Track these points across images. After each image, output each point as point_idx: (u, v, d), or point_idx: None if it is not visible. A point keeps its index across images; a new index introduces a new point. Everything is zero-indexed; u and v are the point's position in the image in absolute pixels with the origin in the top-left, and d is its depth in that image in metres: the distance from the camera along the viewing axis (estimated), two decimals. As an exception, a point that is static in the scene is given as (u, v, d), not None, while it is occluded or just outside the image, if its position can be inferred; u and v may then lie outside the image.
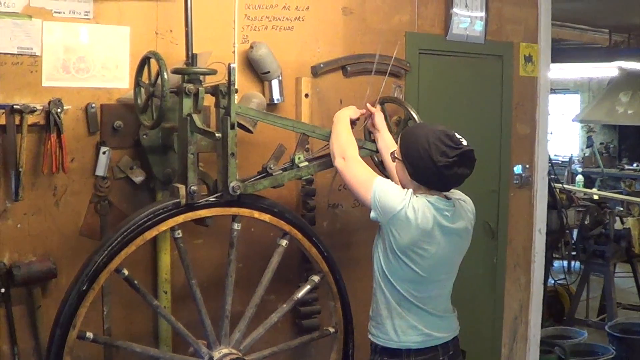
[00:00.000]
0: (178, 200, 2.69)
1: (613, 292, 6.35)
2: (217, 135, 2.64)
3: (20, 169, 2.68)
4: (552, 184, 5.65)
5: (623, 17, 8.35)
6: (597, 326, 6.37)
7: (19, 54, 2.70)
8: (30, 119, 2.69)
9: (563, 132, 12.89)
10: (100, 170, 2.89)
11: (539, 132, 4.54)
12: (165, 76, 2.61)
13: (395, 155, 2.79)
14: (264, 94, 3.24)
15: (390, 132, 3.23)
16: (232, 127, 2.68)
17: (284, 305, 3.01)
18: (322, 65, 3.47)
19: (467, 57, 4.10)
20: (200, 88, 2.71)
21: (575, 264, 7.76)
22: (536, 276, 4.61)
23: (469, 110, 4.14)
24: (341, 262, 3.19)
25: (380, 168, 3.18)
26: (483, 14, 4.10)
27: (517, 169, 4.46)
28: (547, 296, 6.11)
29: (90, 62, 2.86)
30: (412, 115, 3.19)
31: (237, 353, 2.84)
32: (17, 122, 2.67)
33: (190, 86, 2.70)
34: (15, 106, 2.66)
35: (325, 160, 3.01)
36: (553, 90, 8.07)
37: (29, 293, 2.79)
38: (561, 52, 8.73)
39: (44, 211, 2.82)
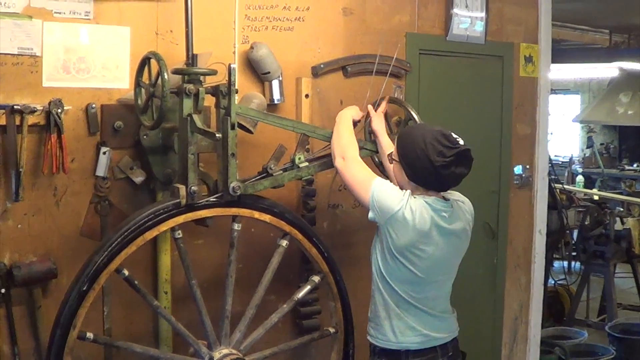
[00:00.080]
0: (178, 200, 2.69)
1: (613, 293, 6.36)
2: (217, 135, 2.64)
3: (21, 170, 2.68)
4: (552, 184, 5.64)
5: (623, 18, 8.36)
6: (597, 326, 6.38)
7: (19, 54, 2.70)
8: (31, 120, 2.69)
9: (563, 132, 12.90)
10: (101, 171, 2.89)
11: (539, 133, 4.54)
12: (166, 76, 2.61)
13: (393, 157, 2.79)
14: (264, 95, 3.24)
15: (391, 132, 3.23)
16: (233, 128, 2.68)
17: (284, 306, 3.01)
18: (322, 66, 3.47)
19: (467, 58, 4.10)
20: (200, 88, 2.71)
21: (576, 265, 7.76)
22: (536, 276, 4.61)
23: (470, 111, 4.15)
24: (341, 263, 3.19)
25: (381, 169, 3.18)
26: (483, 14, 4.10)
27: (518, 169, 4.46)
28: (548, 296, 6.12)
29: (91, 62, 2.86)
30: (412, 115, 3.19)
31: (238, 353, 2.84)
32: (17, 122, 2.67)
33: (190, 86, 2.70)
34: (15, 106, 2.66)
35: (326, 161, 3.01)
36: (553, 91, 8.05)
37: (29, 293, 2.79)
38: (561, 53, 8.74)
39: (45, 211, 2.82)
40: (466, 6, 3.99)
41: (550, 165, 4.89)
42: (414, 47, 3.82)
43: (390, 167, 2.89)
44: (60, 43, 2.79)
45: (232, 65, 2.69)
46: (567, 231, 6.68)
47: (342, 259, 3.30)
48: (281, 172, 2.95)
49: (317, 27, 3.46)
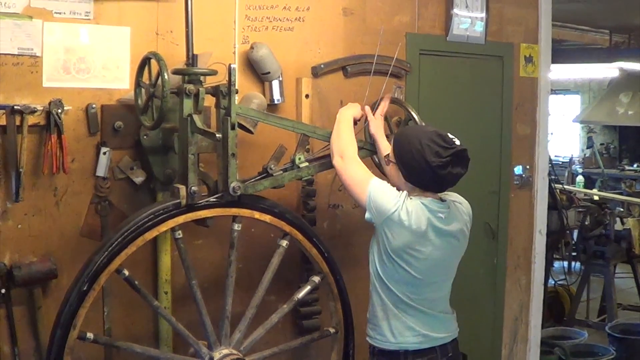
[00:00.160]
0: (178, 200, 2.69)
1: (613, 293, 6.36)
2: (217, 135, 2.64)
3: (21, 170, 2.68)
4: (552, 184, 5.64)
5: (623, 18, 8.35)
6: (597, 327, 6.37)
7: (19, 55, 2.70)
8: (31, 120, 2.69)
9: (563, 132, 12.89)
10: (101, 171, 2.89)
11: (540, 133, 4.54)
12: (166, 77, 2.61)
13: (389, 158, 2.79)
14: (264, 95, 3.24)
15: (391, 132, 3.23)
16: (233, 128, 2.68)
17: (285, 306, 3.01)
18: (322, 66, 3.47)
19: (467, 58, 4.10)
20: (200, 89, 2.71)
21: (576, 265, 7.76)
22: (536, 277, 4.61)
23: (470, 111, 4.15)
24: (342, 263, 3.19)
25: (380, 170, 3.18)
26: (483, 14, 4.10)
27: (518, 169, 4.46)
28: (548, 297, 6.12)
29: (91, 62, 2.87)
30: (412, 116, 3.19)
31: (238, 353, 2.84)
32: (17, 122, 2.67)
33: (190, 87, 2.70)
34: (15, 107, 2.66)
35: (326, 161, 3.00)
36: (553, 91, 8.06)
37: (29, 293, 2.79)
38: (562, 53, 8.74)
39: (45, 212, 2.82)
40: (466, 6, 3.99)
41: (550, 165, 4.88)
42: (414, 47, 3.82)
43: (388, 168, 2.89)
44: (60, 43, 2.79)
45: (232, 66, 2.69)
46: (567, 231, 6.68)
47: (342, 259, 3.29)
48: (281, 172, 2.95)
49: (317, 27, 3.46)
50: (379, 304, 2.76)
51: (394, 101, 3.42)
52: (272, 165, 2.93)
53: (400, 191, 2.69)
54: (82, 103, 2.85)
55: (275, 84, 3.27)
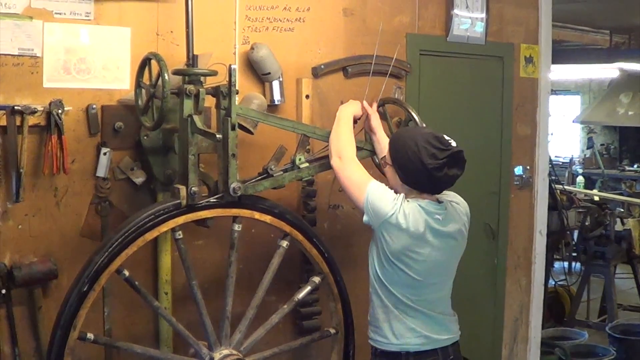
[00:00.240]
0: (179, 201, 2.69)
1: (614, 293, 6.36)
2: (217, 136, 2.64)
3: (21, 170, 2.68)
4: (552, 185, 5.64)
5: (623, 18, 8.36)
6: (597, 327, 6.37)
7: (19, 55, 2.71)
8: (31, 120, 2.69)
9: (564, 133, 12.89)
10: (101, 171, 2.89)
11: (540, 133, 4.54)
12: (166, 77, 2.61)
13: (386, 161, 2.78)
14: (264, 95, 3.25)
15: (392, 133, 3.22)
16: (233, 128, 2.68)
17: (285, 306, 3.01)
18: (322, 67, 3.47)
19: (467, 58, 4.11)
20: (201, 89, 2.71)
21: (576, 265, 7.76)
22: (537, 277, 4.61)
23: (470, 112, 4.15)
24: (342, 263, 3.19)
25: (380, 170, 3.18)
26: (484, 15, 4.10)
27: (518, 170, 4.46)
28: (548, 297, 6.12)
29: (91, 63, 2.87)
30: (412, 116, 3.19)
31: (238, 354, 2.84)
32: (18, 123, 2.67)
33: (191, 87, 2.70)
34: (16, 107, 2.66)
35: (326, 162, 3.00)
36: (554, 92, 8.04)
37: (29, 294, 2.79)
38: (562, 53, 8.74)
39: (45, 212, 2.82)
40: (466, 7, 4.00)
41: (550, 166, 4.89)
42: (414, 47, 3.82)
43: (385, 170, 2.88)
44: (60, 44, 2.79)
45: (232, 66, 2.70)
46: (568, 232, 6.68)
47: (342, 259, 3.29)
48: (281, 172, 2.95)
49: (317, 27, 3.46)
50: (380, 306, 2.76)
51: (394, 102, 3.43)
52: (273, 166, 2.93)
53: (398, 194, 2.69)
54: (83, 103, 2.86)
55: (276, 84, 3.27)
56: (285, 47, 3.35)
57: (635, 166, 11.72)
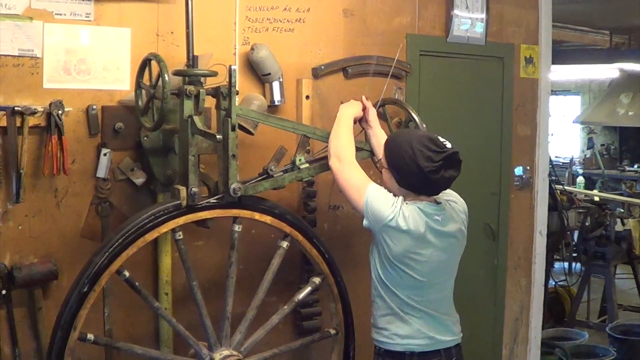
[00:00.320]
0: (179, 201, 2.69)
1: (614, 294, 6.36)
2: (218, 137, 2.64)
3: (22, 171, 2.68)
4: (552, 185, 5.65)
5: (624, 19, 8.36)
6: (598, 328, 6.37)
7: (20, 56, 2.71)
8: (31, 121, 2.69)
9: (564, 133, 12.89)
10: (101, 172, 2.89)
11: (540, 134, 4.54)
12: (166, 78, 2.61)
13: (381, 164, 2.78)
14: (264, 96, 3.25)
15: (391, 133, 3.22)
16: (233, 129, 2.68)
17: (285, 307, 3.01)
18: (322, 67, 3.48)
19: (467, 59, 4.10)
20: (201, 90, 2.71)
21: (576, 266, 7.75)
22: (537, 278, 4.61)
23: (470, 112, 4.15)
24: (342, 264, 3.19)
25: (380, 170, 3.18)
26: (484, 15, 4.10)
27: (518, 170, 4.46)
28: (548, 298, 6.11)
29: (91, 63, 2.87)
30: (412, 117, 3.19)
31: (238, 354, 2.84)
32: (18, 124, 2.67)
33: (191, 88, 2.70)
34: (16, 108, 2.66)
35: (326, 162, 3.00)
36: (554, 92, 8.05)
37: (30, 295, 2.79)
38: (562, 54, 8.74)
39: (45, 213, 2.82)
40: (467, 7, 4.00)
41: (550, 166, 4.89)
42: (414, 48, 3.82)
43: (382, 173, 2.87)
44: (61, 44, 2.79)
45: (232, 67, 2.70)
46: (568, 232, 6.69)
47: (342, 260, 3.29)
48: (282, 173, 2.95)
49: (317, 28, 3.46)
50: (385, 308, 2.76)
51: (394, 102, 3.43)
52: (273, 167, 2.93)
53: (396, 197, 2.69)
54: (83, 104, 2.86)
55: (276, 85, 3.27)
56: (285, 48, 3.35)
57: (636, 166, 11.72)
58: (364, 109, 3.06)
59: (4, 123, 2.66)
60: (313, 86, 3.44)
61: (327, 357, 3.21)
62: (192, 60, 2.83)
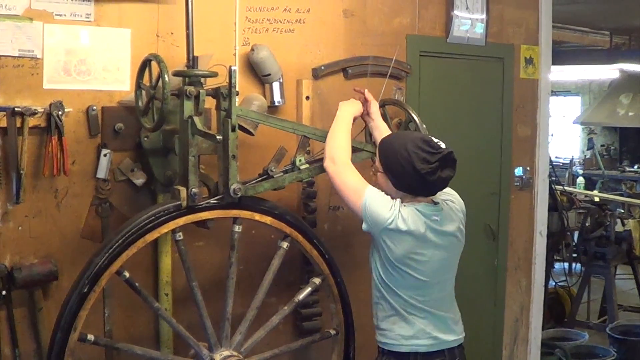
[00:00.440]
0: (179, 202, 2.69)
1: (614, 294, 6.35)
2: (218, 137, 2.64)
3: (22, 172, 2.68)
4: (552, 186, 5.64)
5: (624, 19, 8.36)
6: (598, 328, 6.37)
7: (20, 57, 2.71)
8: (32, 122, 2.69)
9: (564, 134, 12.90)
10: (101, 173, 2.89)
11: (540, 134, 4.54)
12: (166, 79, 2.61)
13: (377, 168, 2.77)
14: (265, 97, 3.25)
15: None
16: (233, 130, 2.68)
17: (285, 308, 3.01)
18: (323, 68, 3.48)
19: (467, 60, 4.11)
20: (201, 90, 2.71)
21: (576, 266, 7.76)
22: (537, 278, 4.61)
23: (470, 113, 4.15)
24: (342, 264, 3.19)
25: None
26: (484, 16, 4.10)
27: (518, 171, 4.46)
28: (548, 298, 6.11)
29: (92, 64, 2.87)
30: (412, 117, 3.19)
31: (238, 355, 2.84)
32: (18, 124, 2.67)
33: (191, 88, 2.70)
34: (16, 109, 2.66)
35: (326, 163, 3.00)
36: (554, 93, 8.06)
37: (30, 295, 2.79)
38: (562, 54, 8.75)
39: (45, 213, 2.82)
40: (467, 8, 4.00)
41: (550, 166, 4.89)
42: (414, 48, 3.82)
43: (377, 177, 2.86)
44: (61, 45, 2.79)
45: (232, 68, 2.70)
46: (568, 233, 6.68)
47: (342, 260, 3.29)
48: (282, 174, 2.95)
49: (317, 29, 3.46)
50: (388, 309, 2.75)
51: (394, 103, 3.43)
52: (273, 167, 2.93)
53: (394, 199, 2.69)
54: (83, 105, 2.86)
55: (276, 85, 3.27)
56: (285, 49, 3.35)
57: (636, 167, 11.72)
58: (367, 101, 3.05)
59: (4, 124, 2.66)
60: (313, 87, 3.44)
61: (327, 358, 3.21)
62: (192, 61, 2.83)
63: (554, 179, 6.06)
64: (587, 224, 6.53)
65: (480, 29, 4.09)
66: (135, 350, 2.74)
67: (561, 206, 6.24)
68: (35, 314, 2.80)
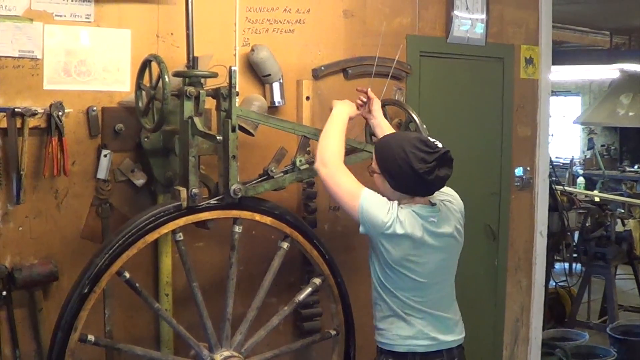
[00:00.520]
0: (179, 203, 2.69)
1: (614, 294, 6.35)
2: (218, 138, 2.64)
3: (22, 172, 2.68)
4: (553, 186, 5.64)
5: (624, 19, 8.36)
6: (598, 328, 6.37)
7: (20, 57, 2.71)
8: (32, 122, 2.69)
9: (564, 134, 12.89)
10: (102, 173, 2.89)
11: (540, 135, 4.54)
12: (167, 79, 2.61)
13: (373, 169, 2.76)
14: (265, 97, 3.25)
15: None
16: (233, 130, 2.68)
17: (285, 308, 3.02)
18: (323, 68, 3.48)
19: (468, 60, 4.11)
20: (201, 91, 2.71)
21: (577, 266, 7.75)
22: (537, 278, 4.61)
23: (470, 113, 4.15)
24: (342, 265, 3.19)
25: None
26: (484, 16, 4.10)
27: (518, 171, 4.46)
28: (549, 298, 6.10)
29: (92, 65, 2.87)
30: (413, 117, 3.19)
31: (239, 355, 2.84)
32: (18, 125, 2.67)
33: (191, 89, 2.70)
34: (16, 109, 2.66)
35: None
36: (554, 93, 8.06)
37: (30, 296, 2.79)
38: (562, 54, 8.74)
39: (46, 214, 2.82)
40: (467, 8, 4.00)
41: (551, 167, 4.89)
42: (414, 49, 3.82)
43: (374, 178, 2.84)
44: (61, 46, 2.79)
45: (232, 68, 2.70)
46: (568, 233, 6.67)
47: (343, 261, 3.30)
48: (282, 174, 2.95)
49: (317, 29, 3.46)
50: (387, 310, 2.75)
51: (394, 103, 3.43)
52: (273, 168, 2.93)
53: (391, 201, 2.67)
54: (83, 105, 2.86)
55: (276, 86, 3.27)
56: (285, 49, 3.35)
57: (636, 167, 11.71)
58: (369, 99, 3.04)
59: (4, 124, 2.66)
60: (313, 87, 3.45)
61: (327, 358, 3.22)
62: (192, 62, 2.84)
63: (554, 179, 6.06)
64: (587, 224, 6.53)
65: (480, 29, 4.09)
66: (135, 350, 2.74)
67: (561, 206, 6.24)
68: (35, 315, 2.80)
